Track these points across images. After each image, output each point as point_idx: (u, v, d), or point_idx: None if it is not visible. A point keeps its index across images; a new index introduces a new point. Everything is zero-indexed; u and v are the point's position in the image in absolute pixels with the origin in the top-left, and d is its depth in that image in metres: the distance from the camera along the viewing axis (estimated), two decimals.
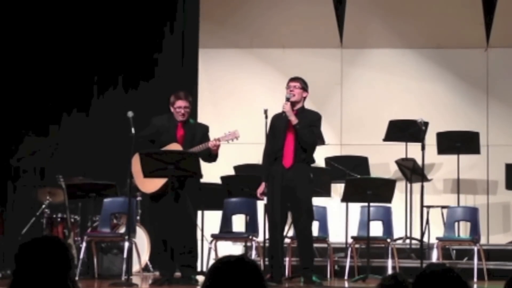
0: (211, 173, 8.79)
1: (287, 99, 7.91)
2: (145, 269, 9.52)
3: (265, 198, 7.80)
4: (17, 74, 10.74)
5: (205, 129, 8.28)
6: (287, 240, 8.86)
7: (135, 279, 8.61)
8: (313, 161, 8.13)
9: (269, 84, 11.04)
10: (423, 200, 8.57)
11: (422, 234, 8.86)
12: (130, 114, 7.93)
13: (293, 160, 7.85)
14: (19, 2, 10.80)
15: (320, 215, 9.21)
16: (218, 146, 8.03)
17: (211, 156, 8.09)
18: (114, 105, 10.48)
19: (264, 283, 2.97)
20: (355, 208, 9.49)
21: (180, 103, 8.14)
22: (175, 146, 8.00)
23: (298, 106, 8.00)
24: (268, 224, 7.84)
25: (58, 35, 10.81)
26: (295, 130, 7.85)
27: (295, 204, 7.86)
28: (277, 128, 7.96)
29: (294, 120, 7.83)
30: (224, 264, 2.94)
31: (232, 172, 9.76)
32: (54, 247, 3.26)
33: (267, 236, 7.86)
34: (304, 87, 8.04)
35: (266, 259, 7.97)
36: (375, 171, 10.21)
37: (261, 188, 7.93)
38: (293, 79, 8.08)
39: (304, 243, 7.95)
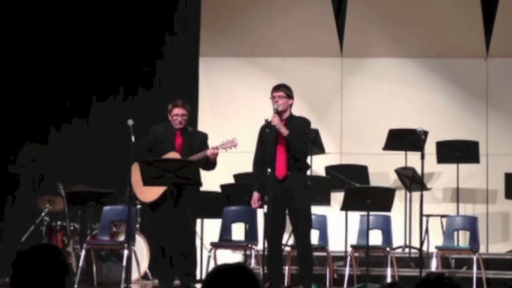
0: (211, 181, 8.80)
1: (275, 111, 7.83)
2: (144, 277, 9.51)
3: (265, 207, 7.80)
4: (16, 81, 10.76)
5: (203, 136, 8.29)
6: (286, 249, 8.85)
7: (134, 287, 8.61)
8: (307, 167, 8.08)
9: (269, 93, 11.00)
10: (422, 209, 8.57)
11: (421, 243, 8.85)
12: (130, 122, 7.94)
13: (286, 170, 7.79)
14: (20, 11, 10.82)
15: (319, 224, 9.21)
16: (216, 154, 8.03)
17: (210, 164, 8.09)
18: (114, 113, 10.49)
19: None
20: (355, 216, 9.49)
21: (177, 110, 8.14)
22: (173, 155, 8.00)
23: (286, 115, 7.89)
24: (267, 233, 7.82)
25: (58, 43, 10.83)
26: (285, 140, 7.80)
27: (293, 213, 7.83)
28: (267, 138, 7.86)
29: (284, 131, 7.74)
30: (221, 272, 2.94)
31: (231, 180, 9.76)
32: (51, 254, 3.27)
33: (266, 245, 7.85)
34: (289, 94, 7.92)
35: (265, 267, 7.96)
36: (375, 180, 10.22)
37: (254, 198, 7.90)
38: (276, 89, 7.94)
39: (303, 252, 7.93)
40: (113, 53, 10.93)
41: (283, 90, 7.92)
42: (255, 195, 7.88)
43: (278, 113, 7.82)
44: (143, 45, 10.98)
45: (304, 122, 7.98)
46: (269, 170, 7.85)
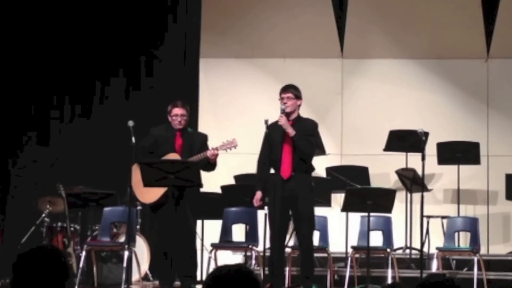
0: (211, 182, 8.80)
1: (282, 111, 7.86)
2: (145, 278, 9.51)
3: (266, 208, 7.80)
4: (18, 82, 10.75)
5: (203, 137, 8.29)
6: (287, 250, 8.85)
7: None
8: (312, 169, 8.11)
9: (270, 94, 10.99)
10: (423, 210, 8.57)
11: (422, 244, 8.86)
12: (130, 123, 7.95)
13: (291, 171, 7.81)
14: (19, 9, 10.82)
15: (320, 225, 9.20)
16: (216, 155, 8.04)
17: (210, 165, 8.10)
18: (115, 114, 10.49)
19: None
20: (355, 218, 9.49)
21: (177, 110, 8.15)
22: (174, 156, 8.01)
23: (294, 116, 7.93)
24: (270, 234, 7.83)
25: (59, 45, 10.83)
26: (292, 141, 7.82)
27: (297, 214, 7.84)
28: (273, 138, 7.92)
29: (291, 132, 7.78)
30: (222, 273, 2.94)
31: (232, 181, 9.76)
32: (52, 256, 3.26)
33: (268, 246, 7.86)
34: (297, 94, 7.95)
35: (266, 268, 7.97)
36: (375, 181, 10.21)
37: (257, 196, 7.90)
38: (285, 90, 7.95)
39: (305, 253, 7.94)
40: (115, 55, 10.93)
41: (292, 91, 7.94)
42: (258, 194, 7.88)
43: (286, 113, 7.84)
44: (144, 46, 10.98)
45: (311, 124, 8.02)
46: (272, 170, 7.88)
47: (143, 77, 11.01)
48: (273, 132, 7.89)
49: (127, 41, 10.93)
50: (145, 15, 11.00)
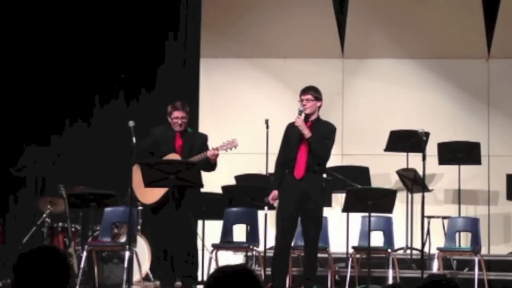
0: (212, 182, 8.79)
1: (300, 112, 7.87)
2: (146, 278, 9.51)
3: (266, 208, 7.81)
4: (19, 83, 10.76)
5: (203, 138, 8.30)
6: None
7: None
8: (325, 171, 8.13)
9: (270, 94, 11.06)
10: (424, 210, 8.57)
11: (423, 244, 8.85)
12: (131, 123, 7.95)
13: (305, 171, 7.82)
14: (22, 13, 10.82)
15: None
16: (216, 155, 8.04)
17: (210, 165, 8.10)
18: (115, 114, 10.49)
19: None
20: (356, 218, 9.48)
21: (177, 113, 8.15)
22: (174, 156, 8.01)
23: (313, 117, 7.95)
24: (277, 234, 7.84)
25: (60, 45, 10.83)
26: (308, 142, 7.83)
27: (306, 214, 7.84)
28: (291, 138, 7.93)
29: (307, 133, 7.79)
30: (223, 273, 2.94)
31: (233, 181, 9.76)
32: (53, 256, 3.26)
33: (273, 245, 7.86)
34: (317, 96, 7.96)
35: (267, 268, 7.96)
36: (376, 181, 10.20)
37: (272, 195, 7.91)
38: (304, 92, 7.96)
39: (310, 255, 7.96)
40: (115, 55, 10.93)
41: (311, 93, 7.96)
42: (274, 192, 7.90)
43: (306, 115, 7.86)
44: (145, 46, 10.97)
45: (329, 128, 8.01)
46: (286, 171, 7.90)
47: (144, 77, 11.00)
48: (290, 132, 7.91)
49: (128, 40, 10.92)
50: (146, 17, 10.98)
